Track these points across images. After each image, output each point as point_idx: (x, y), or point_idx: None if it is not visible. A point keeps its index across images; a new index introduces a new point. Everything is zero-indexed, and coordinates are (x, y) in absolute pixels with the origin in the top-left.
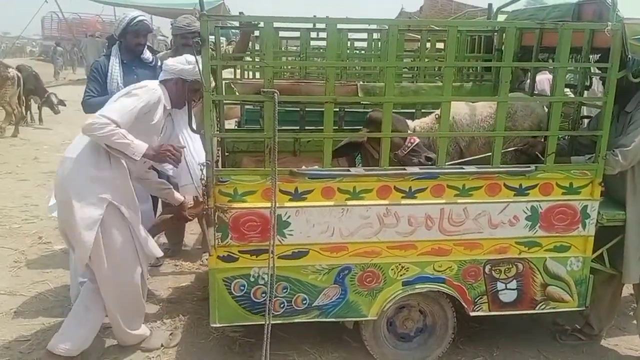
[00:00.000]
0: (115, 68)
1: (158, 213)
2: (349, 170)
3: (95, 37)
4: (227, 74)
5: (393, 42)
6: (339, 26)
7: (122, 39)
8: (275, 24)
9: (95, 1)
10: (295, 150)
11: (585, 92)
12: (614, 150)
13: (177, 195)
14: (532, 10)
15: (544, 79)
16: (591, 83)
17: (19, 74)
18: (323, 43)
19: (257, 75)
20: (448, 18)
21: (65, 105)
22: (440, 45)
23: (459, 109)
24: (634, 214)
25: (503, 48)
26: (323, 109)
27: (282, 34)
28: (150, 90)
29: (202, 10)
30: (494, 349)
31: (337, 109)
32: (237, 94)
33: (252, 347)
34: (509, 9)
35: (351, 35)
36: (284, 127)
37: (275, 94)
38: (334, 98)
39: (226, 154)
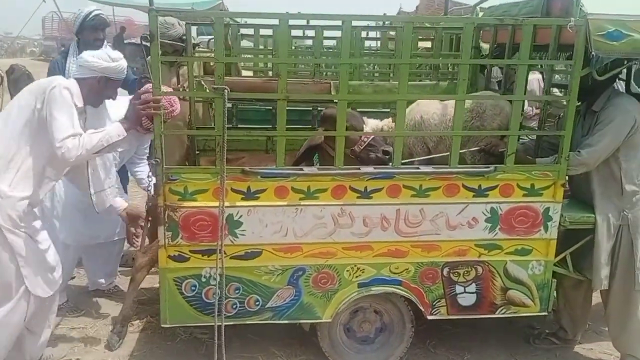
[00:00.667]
0: (72, 66)
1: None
2: (302, 169)
3: None
4: None
5: (347, 39)
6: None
7: (79, 35)
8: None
9: (93, 1)
10: (267, 149)
11: None
12: (579, 150)
13: (118, 200)
14: (506, 7)
15: (533, 79)
16: None
17: (3, 74)
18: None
19: (250, 73)
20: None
21: None
22: (423, 44)
23: (429, 107)
24: (604, 219)
25: (481, 45)
26: (298, 108)
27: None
28: (64, 91)
29: (151, 4)
30: (466, 352)
31: (311, 108)
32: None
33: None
34: (486, 5)
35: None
36: (259, 126)
37: (226, 90)
38: (286, 95)
39: (196, 152)
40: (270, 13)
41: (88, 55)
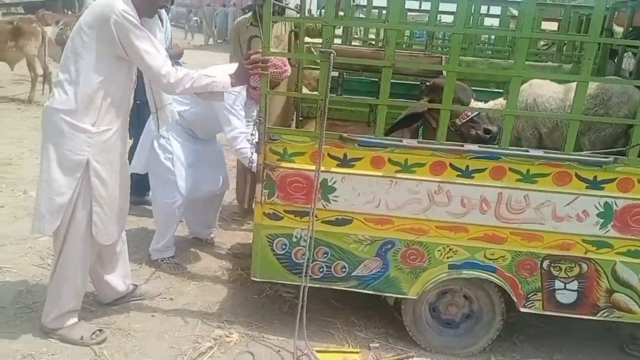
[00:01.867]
0: None
1: None
2: (401, 141)
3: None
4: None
5: (462, 8)
6: None
7: None
8: None
9: None
10: (369, 122)
11: None
12: None
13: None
14: None
15: None
16: None
17: (44, 30)
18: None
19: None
20: None
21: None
22: (549, 25)
23: (545, 90)
24: None
25: (613, 28)
26: (406, 82)
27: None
28: (128, 17)
29: None
30: (556, 352)
31: (419, 82)
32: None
33: None
34: None
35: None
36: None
37: (332, 54)
38: (392, 63)
39: (300, 118)
40: None
41: None
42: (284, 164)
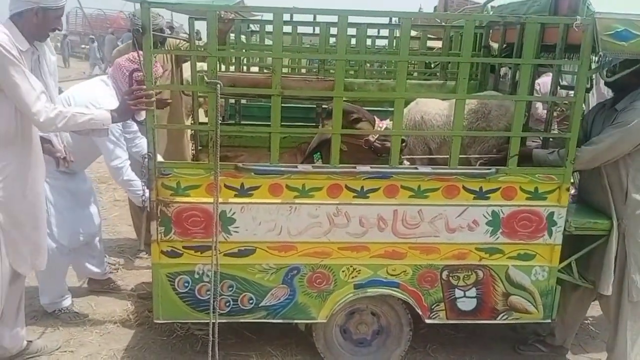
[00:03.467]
0: None
1: None
2: (296, 167)
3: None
4: None
5: (342, 34)
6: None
7: None
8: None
9: None
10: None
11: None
12: (580, 147)
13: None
14: (515, 5)
15: (547, 81)
16: (591, 84)
17: None
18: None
19: (255, 69)
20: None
21: None
22: (434, 43)
23: (432, 108)
24: (631, 226)
25: (490, 44)
26: (303, 105)
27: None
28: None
29: None
30: (467, 358)
31: (315, 106)
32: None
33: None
34: (495, 3)
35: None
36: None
37: (219, 85)
38: (280, 91)
39: (199, 147)
40: (265, 7)
41: None
42: (178, 199)
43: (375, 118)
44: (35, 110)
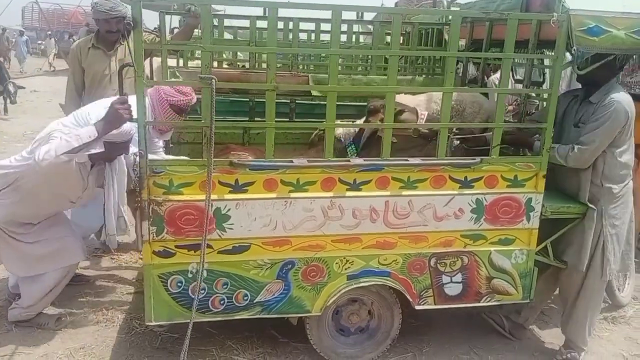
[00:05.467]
0: None
1: None
2: (291, 162)
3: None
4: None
5: (336, 30)
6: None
7: None
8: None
9: None
10: (244, 142)
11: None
12: (573, 147)
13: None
14: (482, 3)
15: (494, 79)
16: (544, 79)
17: None
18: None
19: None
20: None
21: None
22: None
23: (408, 102)
24: (608, 209)
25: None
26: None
27: (233, 22)
28: None
29: None
30: (424, 345)
31: (288, 101)
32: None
33: (174, 342)
34: (462, 1)
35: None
36: (232, 119)
37: (213, 80)
38: (275, 86)
39: (170, 145)
40: (256, 1)
41: None
42: (171, 197)
43: (416, 108)
44: None
